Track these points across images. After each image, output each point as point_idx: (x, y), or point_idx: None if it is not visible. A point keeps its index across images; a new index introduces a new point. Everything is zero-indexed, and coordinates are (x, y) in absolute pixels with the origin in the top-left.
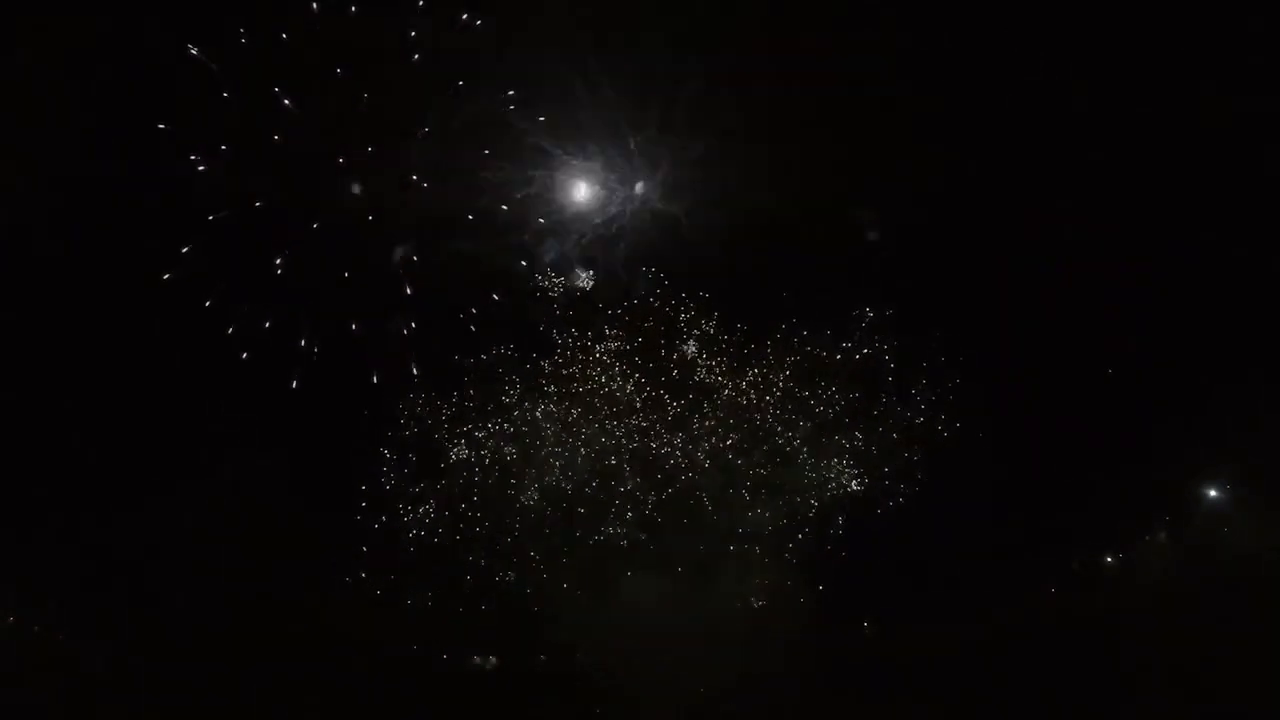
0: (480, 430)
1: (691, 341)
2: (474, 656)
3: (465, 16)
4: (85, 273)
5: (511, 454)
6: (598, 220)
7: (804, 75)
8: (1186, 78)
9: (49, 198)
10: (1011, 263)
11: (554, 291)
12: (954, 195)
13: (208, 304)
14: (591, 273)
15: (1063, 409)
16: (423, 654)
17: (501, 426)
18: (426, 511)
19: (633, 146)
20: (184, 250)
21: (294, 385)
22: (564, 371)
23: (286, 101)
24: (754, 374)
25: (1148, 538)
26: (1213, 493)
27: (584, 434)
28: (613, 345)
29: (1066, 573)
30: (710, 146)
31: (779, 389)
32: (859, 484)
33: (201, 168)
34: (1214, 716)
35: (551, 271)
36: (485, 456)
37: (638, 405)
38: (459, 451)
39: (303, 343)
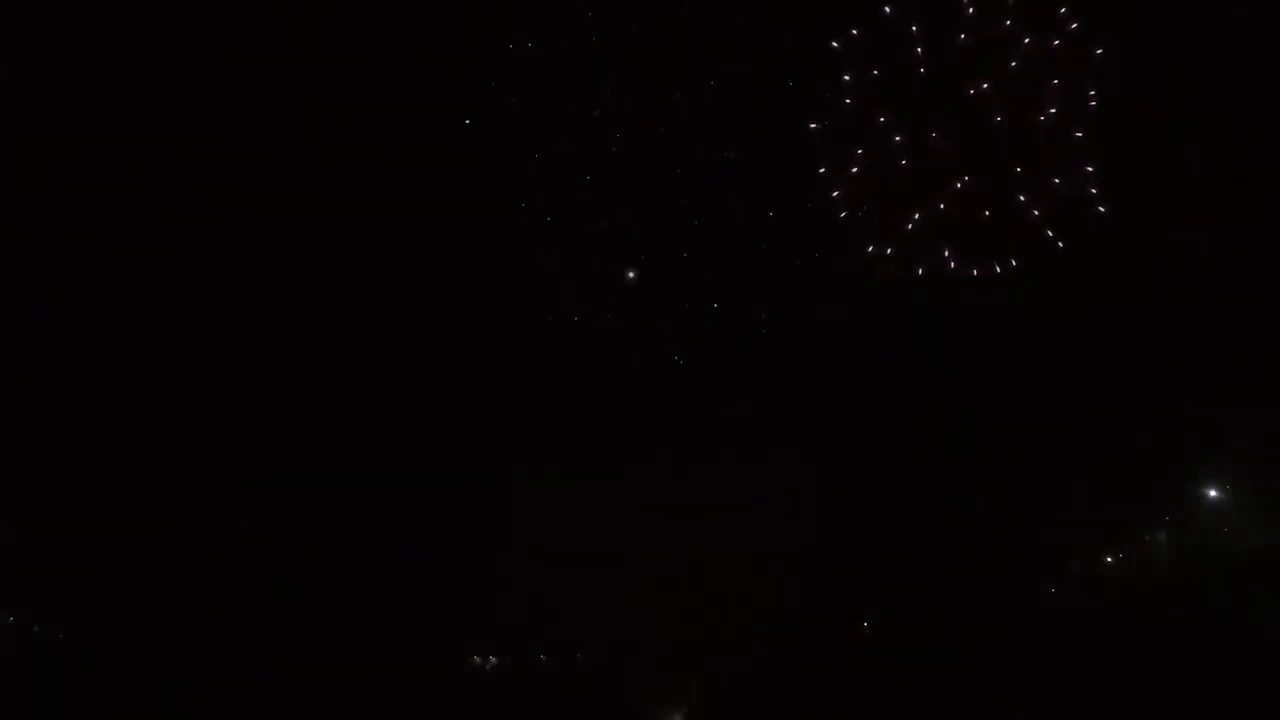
0: None
1: None
2: (474, 656)
3: None
4: None
5: None
6: None
7: None
8: None
9: None
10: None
11: None
12: None
13: None
14: None
15: (1062, 410)
16: (423, 654)
17: None
18: None
19: None
20: None
21: None
22: None
23: None
24: None
25: (1148, 538)
26: (1213, 493)
27: None
28: None
29: (1066, 573)
30: None
31: None
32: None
33: None
34: (1214, 714)
35: None
36: None
37: None
38: None
39: None
